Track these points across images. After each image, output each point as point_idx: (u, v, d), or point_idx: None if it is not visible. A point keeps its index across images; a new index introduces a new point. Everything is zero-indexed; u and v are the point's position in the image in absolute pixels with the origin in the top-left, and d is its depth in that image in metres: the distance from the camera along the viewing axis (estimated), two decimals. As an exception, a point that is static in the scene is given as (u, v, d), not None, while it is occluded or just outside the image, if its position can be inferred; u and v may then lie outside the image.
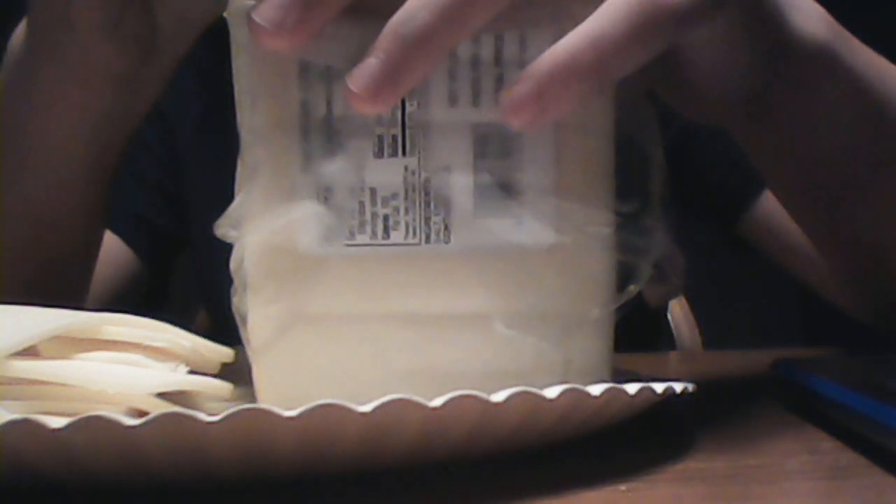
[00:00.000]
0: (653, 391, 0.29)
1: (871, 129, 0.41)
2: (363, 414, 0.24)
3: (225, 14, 0.32)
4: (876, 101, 0.41)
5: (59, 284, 0.51)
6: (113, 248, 0.71)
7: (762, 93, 0.38)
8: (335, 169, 0.30)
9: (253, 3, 0.30)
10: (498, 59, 0.30)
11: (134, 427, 0.23)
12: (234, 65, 0.32)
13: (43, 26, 0.43)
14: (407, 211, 0.30)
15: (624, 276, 0.32)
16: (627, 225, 0.32)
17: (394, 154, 0.30)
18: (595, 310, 0.31)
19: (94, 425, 0.23)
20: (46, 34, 0.43)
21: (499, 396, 0.26)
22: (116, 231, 0.71)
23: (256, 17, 0.28)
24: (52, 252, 0.50)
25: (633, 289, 0.32)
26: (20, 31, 0.46)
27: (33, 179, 0.47)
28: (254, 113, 0.31)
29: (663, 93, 0.38)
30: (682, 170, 0.66)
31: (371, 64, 0.28)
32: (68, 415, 0.24)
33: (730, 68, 0.36)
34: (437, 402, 0.25)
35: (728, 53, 0.36)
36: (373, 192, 0.30)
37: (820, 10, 0.39)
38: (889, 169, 0.42)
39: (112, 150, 0.48)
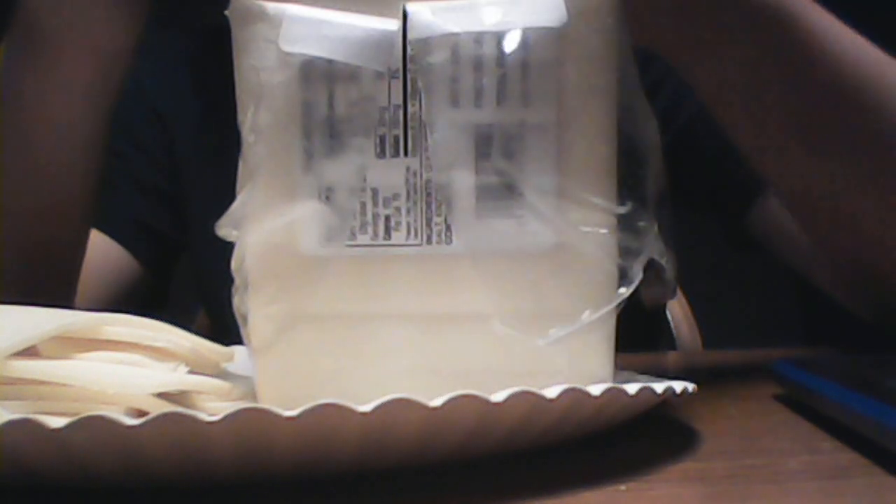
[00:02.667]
0: (653, 391, 0.29)
1: (810, 82, 0.43)
2: (363, 414, 0.24)
3: (227, 13, 0.32)
4: (820, 58, 0.43)
5: (50, 272, 0.52)
6: (112, 254, 0.71)
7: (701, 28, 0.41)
8: (337, 169, 0.30)
9: (255, 2, 0.30)
10: (500, 60, 0.30)
11: (134, 427, 0.23)
12: (235, 65, 0.32)
13: (51, 11, 0.45)
14: (409, 212, 0.30)
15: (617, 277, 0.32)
16: (621, 226, 0.32)
17: (396, 154, 0.30)
18: (595, 310, 0.31)
19: (94, 425, 0.23)
20: (55, 20, 0.44)
21: (499, 396, 0.26)
22: (115, 236, 0.71)
23: None
24: (47, 234, 0.51)
25: (624, 290, 0.32)
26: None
27: (32, 163, 0.48)
28: (255, 113, 0.31)
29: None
30: (688, 165, 0.66)
31: None
32: (68, 415, 0.24)
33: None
34: (437, 402, 0.25)
35: None
36: (374, 192, 0.30)
37: None
38: (833, 121, 0.44)
39: (106, 122, 0.50)
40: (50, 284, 0.52)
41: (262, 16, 0.31)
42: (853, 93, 0.44)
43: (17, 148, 0.49)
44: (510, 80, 0.30)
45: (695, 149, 0.68)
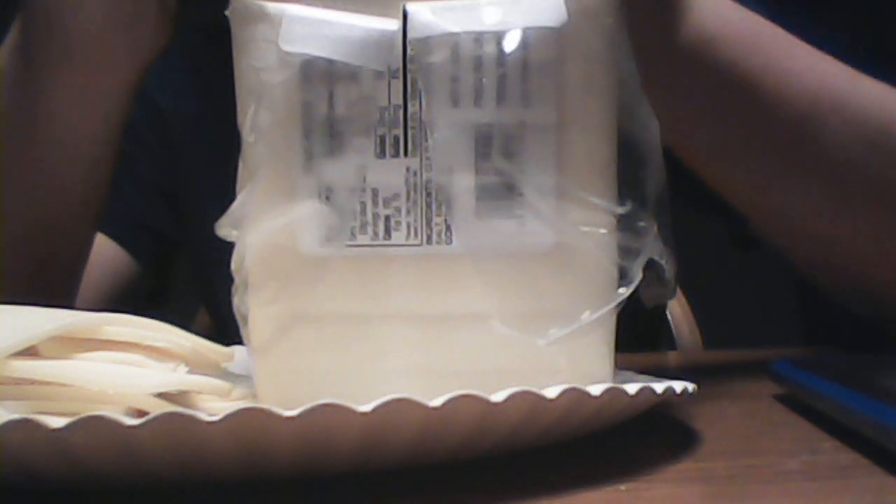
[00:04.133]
0: (653, 391, 0.29)
1: (735, 107, 0.45)
2: (363, 414, 0.24)
3: (226, 13, 0.32)
4: (754, 95, 0.44)
5: (57, 277, 0.52)
6: (111, 253, 0.71)
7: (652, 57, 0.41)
8: (337, 169, 0.30)
9: (255, 2, 0.30)
10: (500, 60, 0.30)
11: (134, 427, 0.23)
12: (235, 64, 0.32)
13: (59, 31, 0.44)
14: (408, 212, 0.30)
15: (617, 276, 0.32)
16: (620, 226, 0.32)
17: (395, 154, 0.30)
18: (595, 310, 0.31)
19: (94, 425, 0.23)
20: (72, 37, 0.44)
21: (499, 396, 0.26)
22: (114, 236, 0.71)
23: None
24: (53, 240, 0.51)
25: (623, 290, 0.32)
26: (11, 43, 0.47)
27: (49, 165, 0.49)
28: (255, 113, 0.31)
29: None
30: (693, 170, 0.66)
31: None
32: (68, 415, 0.24)
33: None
34: (436, 401, 0.25)
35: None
36: (374, 192, 0.30)
37: (718, 8, 0.43)
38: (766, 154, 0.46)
39: (119, 133, 0.50)
40: (52, 289, 0.52)
41: (262, 16, 0.31)
42: (807, 124, 0.45)
43: (28, 158, 0.49)
44: (510, 79, 0.30)
45: None
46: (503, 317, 0.30)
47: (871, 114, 0.46)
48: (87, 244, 0.54)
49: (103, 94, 0.48)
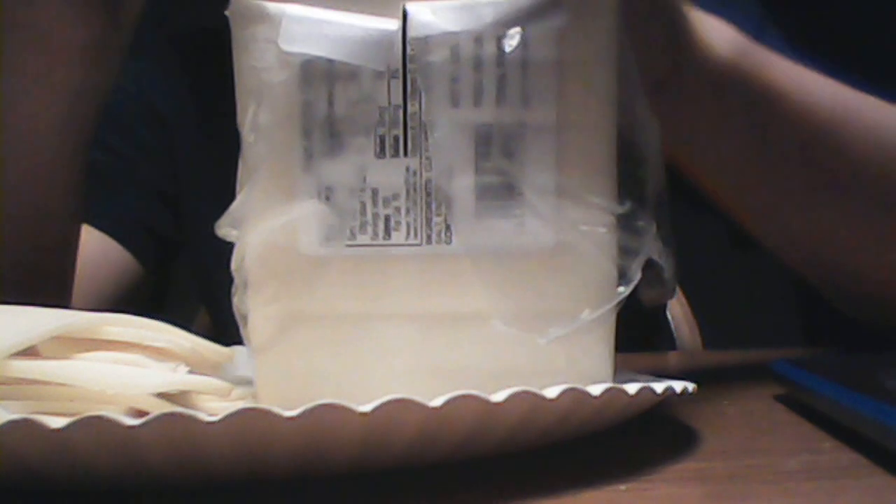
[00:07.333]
0: (653, 391, 0.29)
1: (780, 137, 0.45)
2: (363, 414, 0.24)
3: (226, 13, 0.32)
4: (793, 118, 0.44)
5: (43, 275, 0.51)
6: (113, 253, 0.71)
7: (665, 83, 0.41)
8: (336, 169, 0.30)
9: (255, 2, 0.30)
10: (500, 60, 0.30)
11: (134, 427, 0.23)
12: (235, 65, 0.32)
13: (3, 6, 0.43)
14: (408, 211, 0.30)
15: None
16: (620, 226, 0.32)
17: (395, 154, 0.30)
18: (594, 309, 0.31)
19: (94, 425, 0.23)
20: (9, 15, 0.43)
21: (499, 396, 0.26)
22: (115, 235, 0.71)
23: None
24: (34, 242, 0.50)
25: (623, 289, 0.32)
26: None
27: (11, 167, 0.48)
28: (255, 113, 0.31)
29: None
30: None
31: None
32: (68, 415, 0.24)
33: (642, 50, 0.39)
34: (437, 402, 0.25)
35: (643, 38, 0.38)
36: (374, 192, 0.30)
37: (731, 34, 0.43)
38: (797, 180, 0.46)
39: (87, 124, 0.48)
40: (42, 289, 0.51)
41: (262, 16, 0.31)
42: (828, 137, 0.45)
43: None
44: (510, 79, 0.30)
45: None
46: (503, 316, 0.30)
47: (885, 124, 0.46)
48: (73, 234, 0.54)
49: (58, 81, 0.46)
